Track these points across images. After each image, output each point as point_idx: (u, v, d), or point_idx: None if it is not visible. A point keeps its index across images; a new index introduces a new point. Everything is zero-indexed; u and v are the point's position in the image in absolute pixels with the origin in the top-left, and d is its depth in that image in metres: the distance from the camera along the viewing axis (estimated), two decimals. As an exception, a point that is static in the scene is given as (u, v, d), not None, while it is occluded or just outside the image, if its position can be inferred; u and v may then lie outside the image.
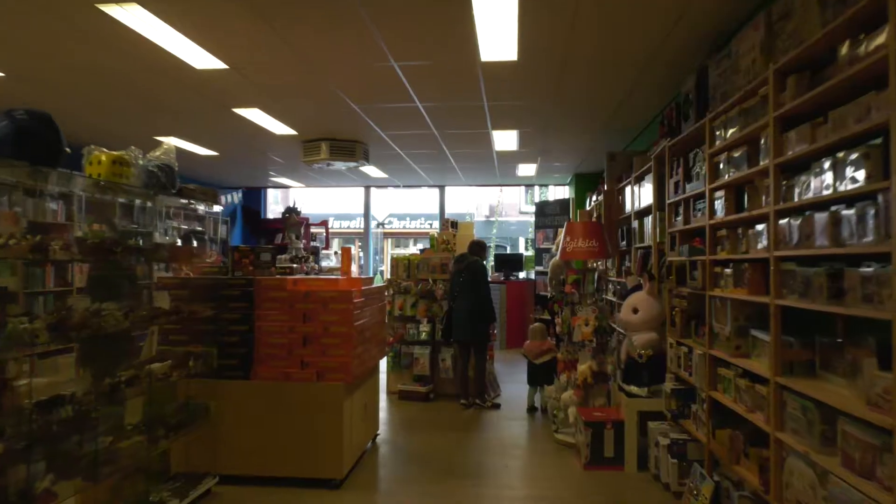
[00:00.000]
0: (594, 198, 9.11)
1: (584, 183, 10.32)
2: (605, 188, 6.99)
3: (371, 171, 10.06)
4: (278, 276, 4.31)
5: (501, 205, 15.01)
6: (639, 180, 5.76)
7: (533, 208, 26.07)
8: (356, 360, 4.16)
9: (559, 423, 5.23)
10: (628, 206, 6.23)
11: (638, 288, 4.71)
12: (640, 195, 5.63)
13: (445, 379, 6.78)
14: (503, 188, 12.91)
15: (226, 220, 11.69)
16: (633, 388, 4.51)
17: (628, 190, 6.28)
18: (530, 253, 12.27)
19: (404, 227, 24.72)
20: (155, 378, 3.58)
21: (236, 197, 11.54)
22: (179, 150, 8.30)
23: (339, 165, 7.88)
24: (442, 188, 12.34)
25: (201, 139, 7.56)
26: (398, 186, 12.41)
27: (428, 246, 7.60)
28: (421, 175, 10.59)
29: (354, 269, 16.63)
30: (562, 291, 5.34)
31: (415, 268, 7.02)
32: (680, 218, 4.16)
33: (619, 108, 6.09)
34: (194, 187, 3.88)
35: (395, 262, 7.13)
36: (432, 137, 7.41)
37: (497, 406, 6.35)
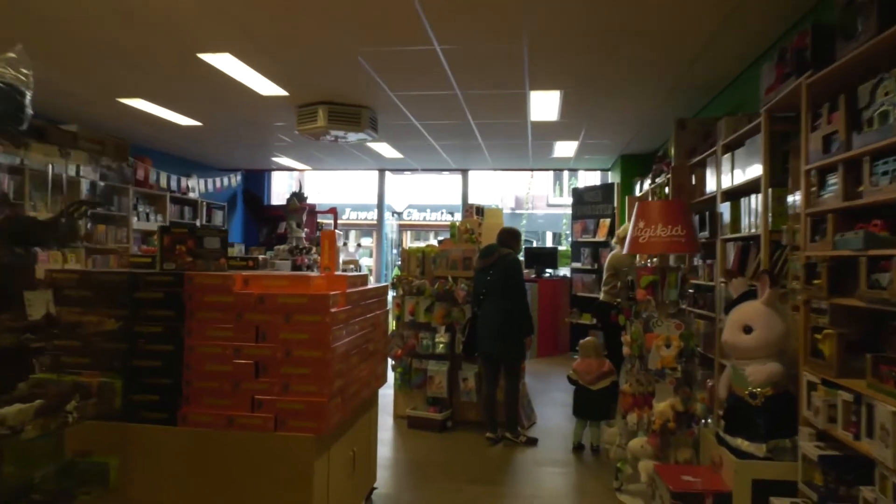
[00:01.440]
0: (646, 182, 7.62)
1: (632, 166, 8.83)
2: (673, 164, 5.52)
3: (383, 149, 8.68)
4: (223, 273, 2.93)
5: (531, 194, 13.53)
6: (730, 149, 4.30)
7: (563, 199, 24.57)
8: (336, 398, 2.78)
9: (623, 479, 3.81)
10: (710, 186, 4.76)
11: (749, 296, 3.26)
12: (735, 168, 4.17)
13: (467, 403, 5.39)
14: (534, 174, 11.42)
15: (222, 205, 10.42)
16: (743, 443, 3.07)
17: (710, 164, 4.80)
18: (564, 247, 10.82)
19: (424, 219, 23.35)
20: (8, 430, 2.26)
21: (234, 179, 10.26)
22: (155, 119, 7.01)
23: (343, 136, 6.50)
24: (465, 173, 10.92)
25: (174, 102, 6.23)
26: (415, 171, 11.02)
27: (448, 236, 6.21)
28: (441, 156, 9.19)
29: (365, 263, 15.27)
30: (630, 298, 3.90)
31: (430, 262, 5.63)
32: (833, 189, 2.70)
33: (698, 57, 4.62)
34: (67, 130, 2.50)
35: (407, 255, 5.74)
36: (454, 101, 5.99)
37: (533, 442, 4.93)
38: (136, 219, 8.19)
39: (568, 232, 19.95)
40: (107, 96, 6.00)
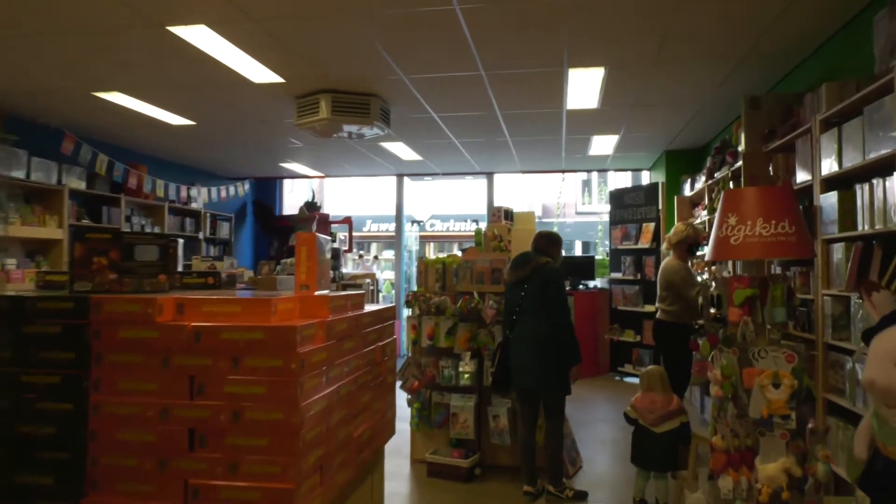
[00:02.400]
0: (698, 180, 6.65)
1: (678, 163, 7.84)
2: (744, 151, 4.55)
3: (400, 150, 7.83)
4: (141, 296, 2.04)
5: (562, 200, 12.53)
6: (829, 126, 3.34)
7: (592, 206, 23.49)
8: (311, 479, 1.89)
9: (713, 563, 2.84)
10: (802, 174, 3.79)
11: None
12: (843, 149, 3.20)
13: (499, 446, 4.45)
14: (565, 177, 10.48)
15: (229, 216, 9.66)
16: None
17: (801, 147, 3.83)
18: (599, 256, 9.83)
19: (447, 230, 22.47)
20: None
21: (242, 189, 9.49)
22: (141, 118, 6.23)
23: (354, 131, 5.65)
24: (490, 177, 10.02)
25: (154, 95, 5.44)
26: (436, 175, 10.16)
27: (472, 244, 5.31)
28: (464, 157, 8.30)
29: (386, 277, 14.36)
30: (716, 319, 2.94)
31: (452, 275, 4.73)
32: None
33: (776, 20, 3.67)
34: None
35: (424, 267, 4.84)
36: (478, 85, 5.11)
37: (583, 496, 3.98)
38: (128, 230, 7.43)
39: (601, 240, 18.91)
40: (80, 90, 5.24)
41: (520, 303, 3.95)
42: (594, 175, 23.90)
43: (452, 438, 4.46)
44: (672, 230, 4.92)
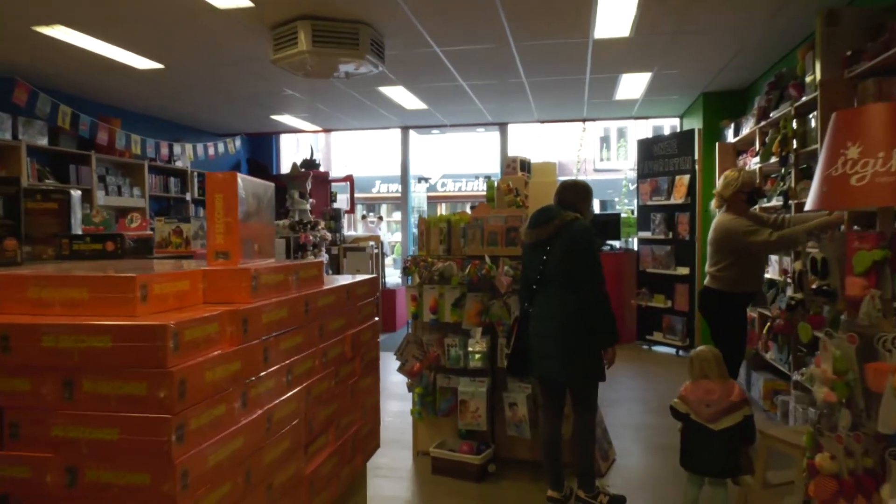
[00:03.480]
0: (745, 124, 5.75)
1: (719, 106, 6.92)
2: (822, 78, 3.66)
3: (402, 96, 6.97)
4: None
5: (583, 154, 11.54)
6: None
7: (612, 163, 22.40)
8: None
9: None
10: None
11: None
12: None
13: (517, 439, 3.72)
14: (586, 127, 9.57)
15: (220, 176, 8.88)
16: None
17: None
18: (625, 214, 8.98)
19: (459, 190, 21.56)
20: None
21: (232, 146, 8.69)
22: (100, 61, 5.35)
23: (344, 70, 4.82)
24: (503, 128, 9.14)
25: (105, 29, 4.61)
26: (444, 127, 9.29)
27: (484, 200, 4.52)
28: (475, 105, 7.42)
29: (394, 240, 13.43)
30: (820, 291, 2.14)
31: (459, 236, 3.94)
32: None
33: None
34: None
35: (426, 226, 4.05)
36: (489, 8, 4.24)
37: (620, 501, 3.25)
38: (102, 192, 6.71)
39: (625, 198, 17.95)
40: (17, 23, 4.44)
41: (541, 269, 3.16)
42: (612, 130, 22.80)
43: (462, 430, 3.73)
44: (721, 182, 4.05)
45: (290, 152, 12.63)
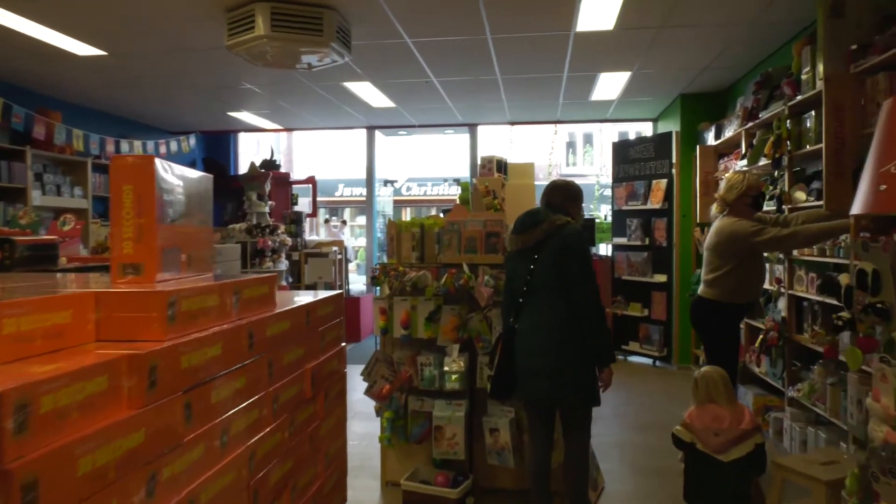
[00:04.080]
0: (728, 127, 5.54)
1: (697, 109, 6.70)
2: (826, 72, 3.40)
3: (368, 93, 6.57)
4: None
5: (554, 157, 11.26)
6: None
7: (578, 168, 22.34)
8: None
9: None
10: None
11: None
12: None
13: (498, 468, 3.35)
14: (558, 129, 9.32)
15: (173, 176, 8.32)
16: None
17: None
18: (599, 219, 8.72)
19: (425, 194, 21.17)
20: None
21: (186, 144, 8.14)
22: (36, 47, 4.88)
23: (310, 60, 4.41)
24: (473, 129, 8.81)
25: (27, 4, 4.10)
26: (412, 129, 8.92)
27: (451, 204, 4.17)
28: (444, 102, 7.07)
29: (358, 245, 12.90)
30: (870, 309, 1.83)
31: (433, 242, 3.56)
32: None
33: None
34: None
35: (396, 231, 3.66)
36: (465, -8, 3.89)
37: (614, 541, 2.92)
38: (39, 192, 6.13)
39: (597, 203, 17.82)
40: (-68, -1, 3.92)
41: (528, 280, 2.81)
42: (579, 136, 22.75)
43: (436, 458, 3.35)
44: (724, 185, 3.76)
45: (250, 152, 12.07)
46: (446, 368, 3.26)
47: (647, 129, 8.81)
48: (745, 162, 4.83)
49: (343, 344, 2.24)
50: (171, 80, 6.06)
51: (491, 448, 3.27)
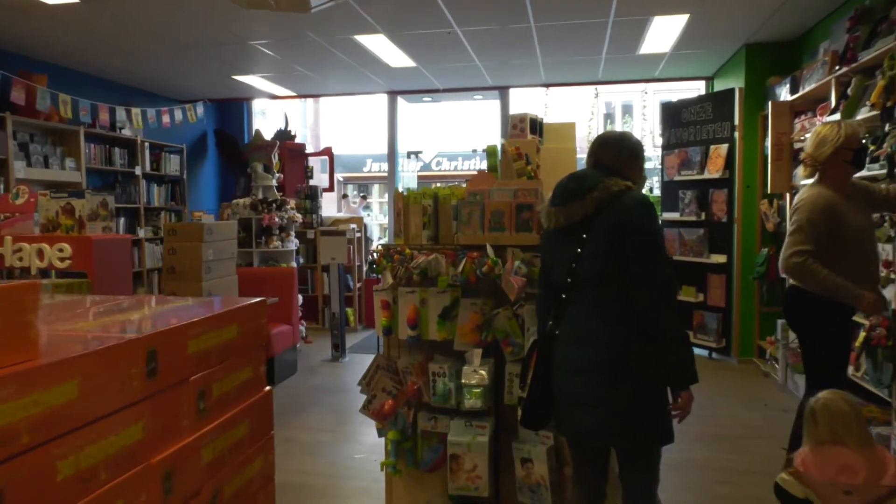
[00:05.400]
0: (808, 79, 4.63)
1: (767, 60, 5.76)
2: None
3: (385, 49, 5.79)
4: None
5: (594, 124, 10.28)
6: None
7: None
8: None
9: None
10: None
11: None
12: None
13: (531, 507, 2.61)
14: (598, 92, 8.43)
15: (179, 148, 7.72)
16: None
17: None
18: (644, 191, 7.83)
19: (456, 169, 20.32)
20: None
21: (193, 113, 7.49)
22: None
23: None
24: (505, 93, 7.98)
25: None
26: (437, 94, 8.11)
27: (484, 166, 3.41)
28: (471, 60, 6.25)
29: (375, 222, 12.18)
30: None
31: (449, 217, 2.81)
32: None
33: None
34: None
35: (404, 203, 2.91)
36: None
37: None
38: (23, 163, 5.54)
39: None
40: None
41: (572, 269, 2.04)
42: (617, 106, 21.56)
43: (452, 493, 2.63)
44: (812, 140, 2.91)
45: (272, 124, 11.41)
46: (465, 380, 2.52)
47: (697, 92, 7.85)
48: (836, 116, 3.94)
49: (267, 388, 1.63)
50: (161, 35, 5.37)
51: (523, 483, 2.53)
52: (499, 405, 2.63)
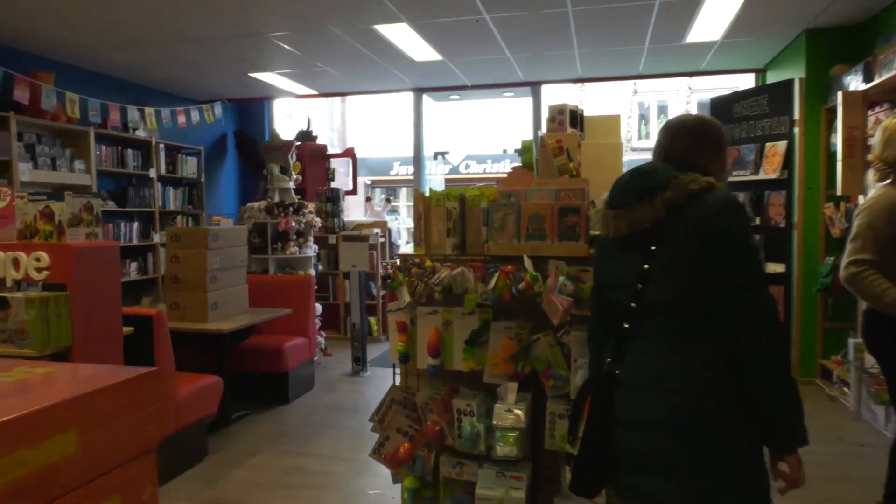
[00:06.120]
0: (887, 64, 4.08)
1: (831, 48, 5.20)
2: None
3: (406, 39, 5.37)
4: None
5: (632, 121, 9.67)
6: None
7: (650, 142, 20.44)
8: None
9: None
10: None
11: None
12: None
13: (578, 578, 2.15)
14: (637, 87, 7.91)
15: (197, 149, 7.41)
16: None
17: None
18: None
19: (485, 172, 19.82)
20: None
21: (210, 114, 7.17)
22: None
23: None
24: (537, 88, 7.51)
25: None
26: (465, 91, 7.67)
27: (517, 165, 2.97)
28: (500, 50, 5.79)
29: (401, 226, 11.87)
30: None
31: (477, 222, 2.36)
32: None
33: None
34: None
35: (426, 206, 2.47)
36: None
37: None
38: (29, 165, 5.25)
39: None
40: None
41: (638, 290, 1.57)
42: (652, 105, 20.81)
43: (481, 557, 2.18)
44: (880, 138, 2.43)
45: (298, 126, 11.10)
46: (497, 422, 2.07)
47: (745, 85, 7.27)
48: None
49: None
50: (164, 26, 5.03)
51: (568, 549, 2.07)
52: (537, 451, 2.17)
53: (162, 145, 6.83)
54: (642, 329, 1.58)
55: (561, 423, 2.07)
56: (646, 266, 1.56)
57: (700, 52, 5.95)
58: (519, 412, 2.06)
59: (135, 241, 6.42)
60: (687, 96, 11.96)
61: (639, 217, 1.58)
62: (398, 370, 2.43)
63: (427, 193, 2.49)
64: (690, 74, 7.09)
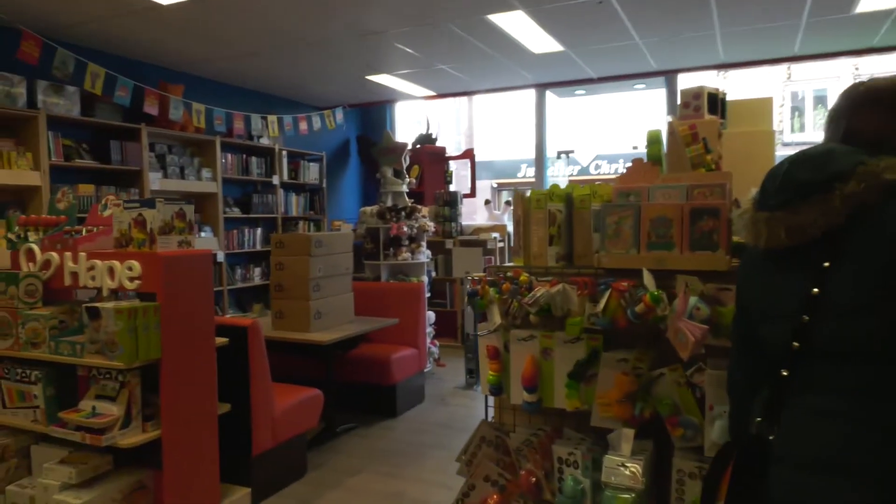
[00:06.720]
0: None
1: None
2: None
3: (524, 30, 4.99)
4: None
5: (784, 109, 8.59)
6: None
7: (808, 135, 18.41)
8: None
9: None
10: None
11: None
12: None
13: None
14: (791, 73, 6.97)
15: (318, 156, 7.50)
16: None
17: None
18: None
19: (616, 172, 18.82)
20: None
21: (331, 119, 7.21)
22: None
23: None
24: (671, 78, 6.83)
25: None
26: (591, 83, 7.13)
27: (637, 158, 2.49)
28: (630, 37, 5.24)
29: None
30: None
31: (586, 228, 1.94)
32: None
33: None
34: None
35: (525, 209, 2.09)
36: None
37: None
38: (159, 174, 5.48)
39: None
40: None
41: (804, 324, 1.10)
42: (808, 95, 18.70)
43: None
44: None
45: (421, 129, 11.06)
46: (607, 478, 1.64)
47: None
48: None
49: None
50: (277, 32, 5.02)
51: None
52: (664, 519, 1.71)
53: (285, 152, 6.94)
54: (810, 379, 1.10)
55: (692, 484, 1.61)
56: (816, 290, 1.09)
57: (873, 23, 5.04)
58: (636, 468, 1.62)
59: (258, 247, 6.56)
60: (854, 78, 10.43)
61: (806, 221, 1.11)
62: (490, 402, 2.07)
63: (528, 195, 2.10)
64: (859, 53, 6.07)
